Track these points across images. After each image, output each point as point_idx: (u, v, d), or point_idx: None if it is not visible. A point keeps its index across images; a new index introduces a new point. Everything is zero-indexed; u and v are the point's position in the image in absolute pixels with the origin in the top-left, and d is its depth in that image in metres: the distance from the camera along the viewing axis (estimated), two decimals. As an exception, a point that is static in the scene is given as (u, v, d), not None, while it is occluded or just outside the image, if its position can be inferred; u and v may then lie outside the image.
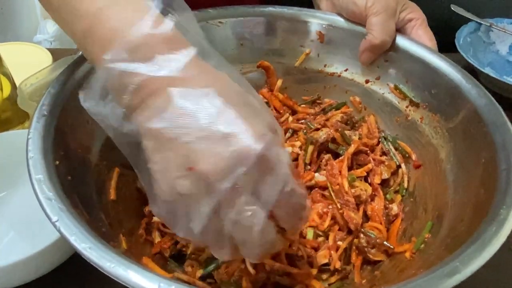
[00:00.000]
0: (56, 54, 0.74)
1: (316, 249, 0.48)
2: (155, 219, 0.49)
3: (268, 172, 0.30)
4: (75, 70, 0.48)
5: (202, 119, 0.29)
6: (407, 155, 0.57)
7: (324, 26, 0.63)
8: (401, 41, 0.58)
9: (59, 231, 0.33)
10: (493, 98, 0.48)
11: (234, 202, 0.30)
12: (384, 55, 0.59)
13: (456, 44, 0.76)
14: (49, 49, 0.75)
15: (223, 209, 0.30)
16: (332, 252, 0.48)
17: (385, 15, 0.56)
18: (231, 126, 0.29)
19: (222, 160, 0.29)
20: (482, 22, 0.81)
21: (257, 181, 0.30)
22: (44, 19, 1.47)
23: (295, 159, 0.55)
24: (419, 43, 0.57)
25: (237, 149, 0.29)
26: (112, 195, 0.47)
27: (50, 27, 1.45)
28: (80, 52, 0.49)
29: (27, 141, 0.39)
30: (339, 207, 0.49)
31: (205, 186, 0.29)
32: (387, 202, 0.53)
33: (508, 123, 0.44)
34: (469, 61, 0.72)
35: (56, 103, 0.43)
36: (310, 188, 0.53)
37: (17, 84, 0.58)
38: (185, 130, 0.29)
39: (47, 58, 0.73)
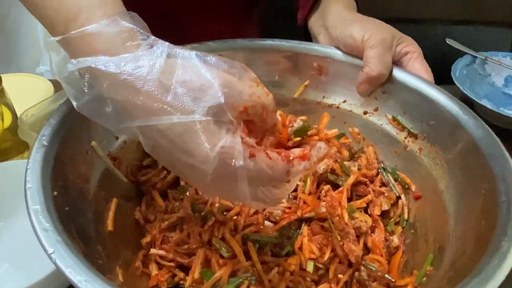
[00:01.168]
0: (58, 85, 0.75)
1: (317, 283, 0.47)
2: (152, 251, 0.49)
3: None
4: (80, 96, 0.48)
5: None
6: (406, 186, 0.57)
7: (322, 58, 0.64)
8: (398, 73, 0.59)
9: (54, 263, 0.33)
10: (490, 130, 0.48)
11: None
12: (382, 87, 0.60)
13: (452, 76, 0.77)
14: (51, 80, 0.76)
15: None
16: (332, 285, 0.47)
17: (381, 48, 0.58)
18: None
19: None
20: (477, 55, 0.82)
21: None
22: (47, 51, 1.50)
23: (294, 190, 0.55)
24: (416, 76, 0.58)
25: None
26: (110, 226, 0.47)
27: (53, 58, 1.47)
28: (86, 80, 0.50)
29: (26, 172, 0.39)
30: (339, 239, 0.49)
31: None
32: (388, 234, 0.52)
33: (507, 154, 0.44)
34: (466, 92, 0.73)
35: (56, 134, 0.43)
36: (309, 220, 0.53)
37: (19, 115, 0.59)
38: None
39: (49, 89, 0.73)
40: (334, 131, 0.60)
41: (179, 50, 0.34)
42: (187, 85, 0.33)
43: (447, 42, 0.85)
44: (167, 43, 0.35)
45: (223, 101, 0.33)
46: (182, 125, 0.32)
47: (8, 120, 0.57)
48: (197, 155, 0.33)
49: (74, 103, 0.37)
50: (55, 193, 0.39)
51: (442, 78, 0.75)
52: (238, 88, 0.34)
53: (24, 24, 1.51)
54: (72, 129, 0.45)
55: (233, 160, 0.33)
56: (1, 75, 0.59)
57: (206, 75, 0.33)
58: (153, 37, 0.35)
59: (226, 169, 0.33)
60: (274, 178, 0.35)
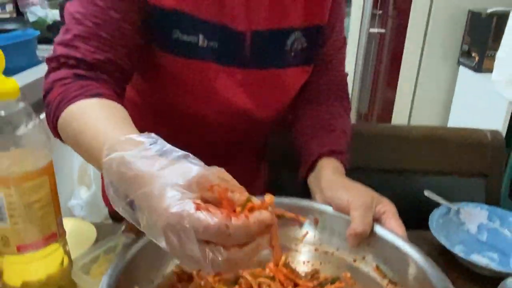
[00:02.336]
0: (99, 228, 0.89)
1: None
2: None
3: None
4: (126, 251, 0.63)
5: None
6: (393, 330, 0.67)
7: (318, 213, 0.79)
8: (378, 229, 0.73)
9: None
10: (450, 283, 0.60)
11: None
12: (366, 240, 0.74)
13: (430, 227, 0.90)
14: (93, 223, 0.91)
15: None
16: None
17: (363, 209, 0.73)
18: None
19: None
20: (451, 207, 0.97)
21: None
22: (79, 185, 1.68)
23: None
24: (392, 232, 0.72)
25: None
26: None
27: (84, 193, 1.65)
28: (122, 229, 0.66)
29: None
30: None
31: None
32: None
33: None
34: (441, 242, 0.86)
35: (113, 282, 0.57)
36: None
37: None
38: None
39: (93, 232, 0.88)
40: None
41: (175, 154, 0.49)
42: (172, 168, 0.46)
43: (425, 194, 1.01)
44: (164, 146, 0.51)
45: (194, 175, 0.45)
46: (159, 188, 0.45)
47: (65, 263, 0.71)
48: (158, 208, 0.44)
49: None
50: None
51: (422, 224, 0.88)
52: (210, 175, 0.46)
53: (60, 160, 1.72)
54: (122, 275, 0.59)
55: (183, 211, 0.42)
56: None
57: (189, 165, 0.47)
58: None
59: (179, 223, 0.42)
60: (215, 230, 0.41)
